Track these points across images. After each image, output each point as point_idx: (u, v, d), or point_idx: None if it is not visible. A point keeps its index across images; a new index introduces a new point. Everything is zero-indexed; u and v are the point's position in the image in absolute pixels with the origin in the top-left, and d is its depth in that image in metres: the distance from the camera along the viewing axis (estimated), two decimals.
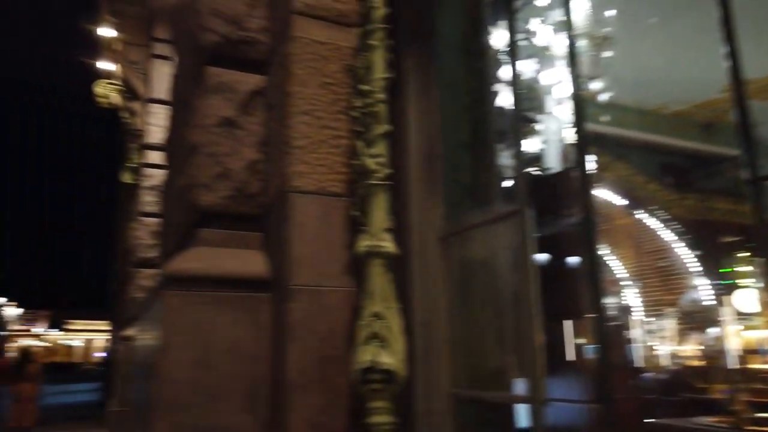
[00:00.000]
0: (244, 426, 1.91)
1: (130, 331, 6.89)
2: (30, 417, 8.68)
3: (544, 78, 3.85)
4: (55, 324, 54.30)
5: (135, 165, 8.63)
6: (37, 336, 49.72)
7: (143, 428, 2.41)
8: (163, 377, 1.85)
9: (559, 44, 3.70)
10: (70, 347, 52.16)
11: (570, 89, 1.92)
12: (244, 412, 1.92)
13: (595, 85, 4.03)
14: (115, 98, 9.05)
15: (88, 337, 52.59)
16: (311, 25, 2.11)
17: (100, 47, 9.31)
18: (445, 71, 2.11)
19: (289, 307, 1.84)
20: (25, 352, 9.79)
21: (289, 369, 1.79)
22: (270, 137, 2.24)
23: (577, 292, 2.53)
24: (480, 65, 2.18)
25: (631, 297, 8.25)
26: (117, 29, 8.23)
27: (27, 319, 52.86)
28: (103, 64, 9.65)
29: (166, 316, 1.91)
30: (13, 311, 47.73)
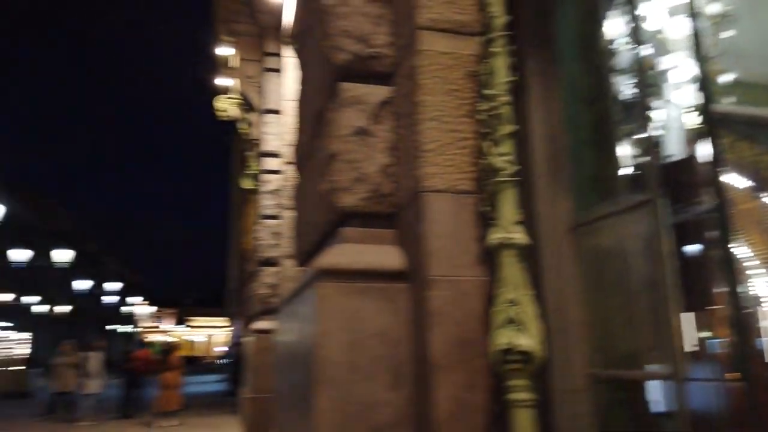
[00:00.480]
0: (392, 401, 2.14)
1: (261, 324, 7.50)
2: (175, 402, 9.73)
3: (660, 63, 3.76)
4: (180, 321, 59.43)
5: (254, 172, 9.34)
6: (164, 332, 54.73)
7: (295, 408, 2.73)
8: (322, 359, 2.12)
9: (675, 27, 3.60)
10: (192, 342, 56.85)
11: (691, 72, 1.95)
12: (391, 389, 2.16)
13: (716, 65, 3.87)
14: (234, 111, 9.84)
15: (209, 333, 57.00)
16: (435, 37, 2.30)
17: (218, 65, 10.16)
18: (565, 69, 2.21)
19: (429, 296, 2.04)
20: (168, 344, 10.94)
21: (432, 351, 1.99)
22: (399, 142, 2.46)
23: (704, 281, 2.51)
24: (598, 59, 2.25)
25: (761, 286, 7.68)
26: (233, 47, 8.95)
27: (156, 316, 58.34)
28: (221, 81, 10.53)
29: (321, 305, 2.19)
30: (145, 309, 52.85)
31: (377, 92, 2.56)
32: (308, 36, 3.54)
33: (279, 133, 8.27)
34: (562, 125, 2.14)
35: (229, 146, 20.21)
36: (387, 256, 2.35)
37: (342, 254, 2.32)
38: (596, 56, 2.24)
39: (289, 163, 7.63)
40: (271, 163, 8.33)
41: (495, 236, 1.97)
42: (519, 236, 1.95)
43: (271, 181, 8.21)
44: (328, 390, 2.10)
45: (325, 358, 2.13)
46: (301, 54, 3.90)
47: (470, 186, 2.19)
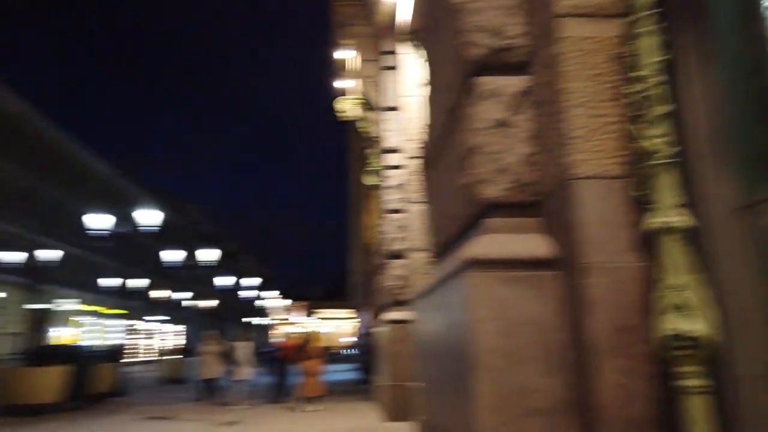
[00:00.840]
0: (547, 387, 2.17)
1: (393, 315, 7.78)
2: (316, 389, 10.40)
3: None
4: (309, 314, 63.03)
5: (375, 168, 9.67)
6: (293, 324, 58.27)
7: (449, 393, 2.84)
8: (477, 345, 2.21)
9: None
10: (319, 333, 60.00)
11: None
12: (546, 375, 2.19)
13: None
14: (354, 111, 10.23)
15: (336, 324, 59.76)
16: (573, 23, 2.28)
17: (336, 68, 10.61)
18: (721, 41, 2.09)
19: (585, 283, 2.04)
20: (309, 334, 11.71)
21: (592, 337, 1.99)
22: (541, 131, 2.46)
23: None
24: (759, 27, 2.10)
25: None
26: (353, 49, 9.30)
27: (288, 309, 62.38)
28: (339, 83, 10.98)
29: (471, 294, 2.27)
30: (279, 303, 56.76)
31: (514, 83, 2.58)
32: (433, 33, 3.62)
33: (399, 129, 8.47)
34: (721, 101, 2.02)
35: (346, 145, 20.97)
36: (533, 244, 2.37)
37: (488, 244, 2.39)
38: (756, 24, 2.08)
39: (411, 158, 7.79)
40: (392, 159, 8.56)
41: (654, 220, 1.93)
42: (680, 219, 1.89)
43: (394, 176, 8.44)
44: (485, 375, 2.18)
45: (480, 344, 2.21)
46: (425, 51, 4.00)
47: (620, 171, 2.15)
